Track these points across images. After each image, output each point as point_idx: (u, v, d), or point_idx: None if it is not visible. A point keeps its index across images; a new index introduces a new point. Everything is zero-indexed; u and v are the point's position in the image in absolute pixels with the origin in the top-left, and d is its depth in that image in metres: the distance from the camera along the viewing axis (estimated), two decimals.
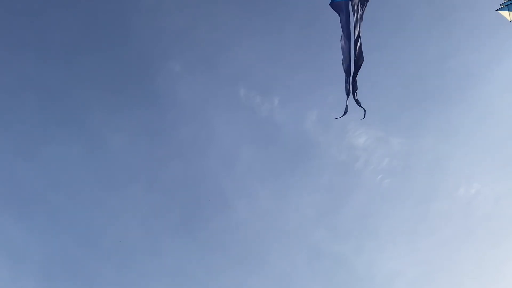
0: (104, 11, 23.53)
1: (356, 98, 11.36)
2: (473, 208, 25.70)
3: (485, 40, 23.29)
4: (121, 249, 25.06)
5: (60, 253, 24.43)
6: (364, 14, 11.43)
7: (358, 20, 11.36)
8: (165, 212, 25.94)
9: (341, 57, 11.73)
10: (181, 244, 25.68)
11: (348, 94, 11.51)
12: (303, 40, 23.47)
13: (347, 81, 11.49)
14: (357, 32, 11.28)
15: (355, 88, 11.36)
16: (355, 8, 11.37)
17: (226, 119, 25.73)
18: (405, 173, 26.01)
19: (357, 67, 11.37)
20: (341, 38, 11.58)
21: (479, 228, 25.84)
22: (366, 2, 11.34)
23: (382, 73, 23.19)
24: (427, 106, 24.79)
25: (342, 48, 11.61)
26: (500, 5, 10.36)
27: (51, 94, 24.32)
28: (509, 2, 10.10)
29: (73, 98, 24.42)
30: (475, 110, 24.65)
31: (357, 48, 11.30)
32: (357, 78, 11.41)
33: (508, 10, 10.28)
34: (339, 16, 11.60)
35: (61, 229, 24.74)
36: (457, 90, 24.50)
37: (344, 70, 11.60)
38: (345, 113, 11.50)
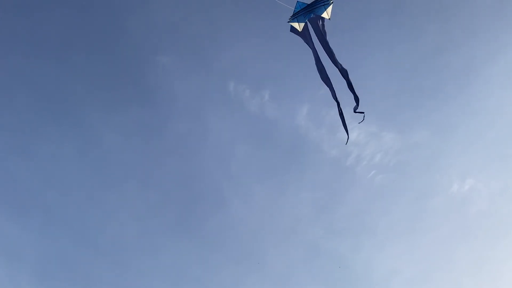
0: (95, 7, 23.35)
1: (357, 109, 11.39)
2: (468, 205, 25.69)
3: (482, 36, 23.22)
4: (117, 247, 25.02)
5: (55, 251, 24.35)
6: (325, 27, 11.75)
7: (323, 35, 11.70)
8: (161, 210, 25.92)
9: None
10: (177, 242, 25.67)
11: (339, 106, 11.69)
12: (294, 35, 23.22)
13: (334, 97, 11.70)
14: (326, 46, 11.63)
15: (357, 99, 11.42)
16: (315, 25, 11.74)
17: (219, 115, 25.64)
18: (398, 169, 25.92)
19: (347, 77, 11.48)
20: (316, 60, 11.91)
21: (475, 224, 25.86)
22: (322, 20, 11.73)
23: (375, 67, 23.08)
24: (421, 101, 24.72)
25: (318, 67, 11.88)
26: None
27: (43, 91, 24.19)
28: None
29: (66, 95, 24.29)
30: (469, 105, 24.60)
31: (336, 61, 11.53)
32: (354, 87, 11.43)
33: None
34: (303, 39, 12.08)
35: (56, 227, 24.68)
36: (452, 86, 24.43)
37: (329, 86, 11.77)
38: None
